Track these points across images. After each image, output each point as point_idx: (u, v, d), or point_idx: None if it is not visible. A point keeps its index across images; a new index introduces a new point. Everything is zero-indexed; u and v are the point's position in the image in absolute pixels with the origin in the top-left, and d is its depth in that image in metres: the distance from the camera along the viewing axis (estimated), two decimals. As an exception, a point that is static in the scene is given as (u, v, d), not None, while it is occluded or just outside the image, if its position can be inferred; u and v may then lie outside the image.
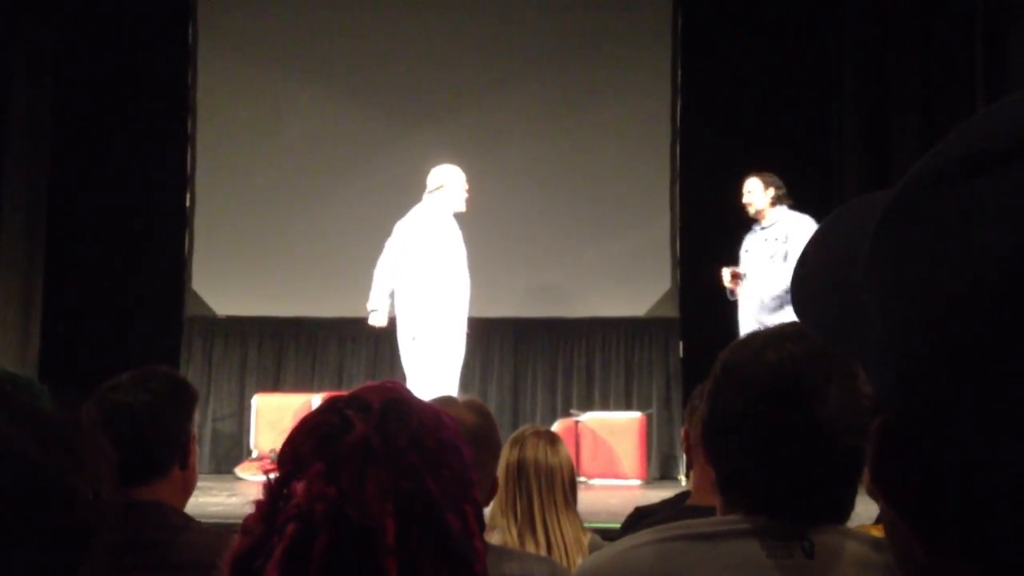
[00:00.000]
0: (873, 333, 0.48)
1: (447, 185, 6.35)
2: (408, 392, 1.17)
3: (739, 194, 6.41)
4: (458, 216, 6.39)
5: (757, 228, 6.45)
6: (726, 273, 6.40)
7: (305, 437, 1.11)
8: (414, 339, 6.16)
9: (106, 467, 0.66)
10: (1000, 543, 0.44)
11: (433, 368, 6.10)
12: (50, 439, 0.65)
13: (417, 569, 1.05)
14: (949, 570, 0.47)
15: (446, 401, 2.05)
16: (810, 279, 0.60)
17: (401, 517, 1.05)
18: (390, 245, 6.43)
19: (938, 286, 0.44)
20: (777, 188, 6.39)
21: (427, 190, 6.40)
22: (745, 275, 6.39)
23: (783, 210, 6.40)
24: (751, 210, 6.42)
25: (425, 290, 6.13)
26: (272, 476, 1.11)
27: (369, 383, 1.18)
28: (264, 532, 1.07)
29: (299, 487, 1.06)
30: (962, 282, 0.43)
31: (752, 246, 6.43)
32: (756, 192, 6.41)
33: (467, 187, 6.41)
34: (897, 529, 0.51)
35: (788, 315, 6.20)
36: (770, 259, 6.30)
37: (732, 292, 6.43)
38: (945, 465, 0.45)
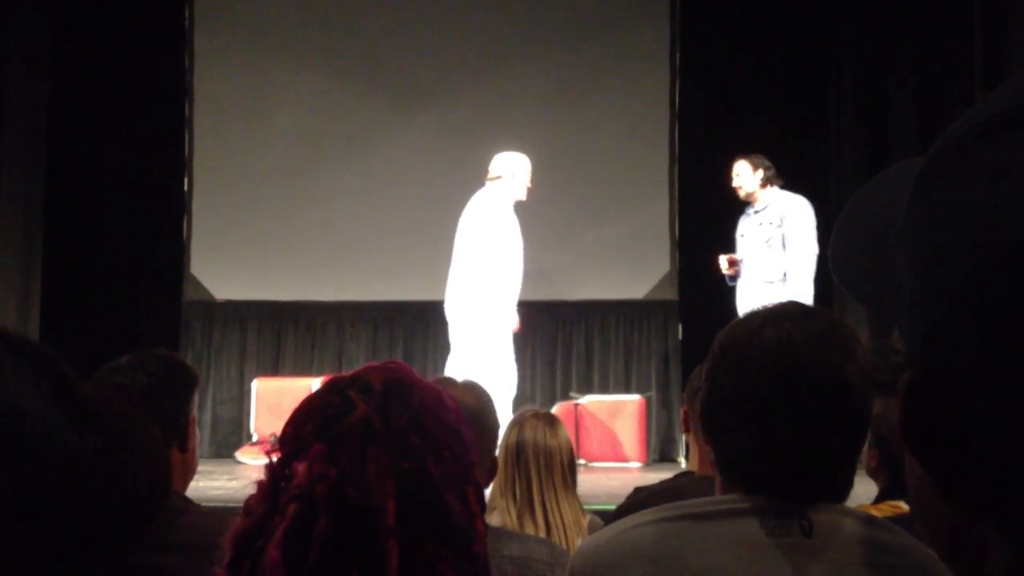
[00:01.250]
0: (906, 290, 0.49)
1: (507, 175, 6.23)
2: (411, 373, 1.16)
3: (731, 178, 6.42)
4: (464, 201, 6.33)
5: (750, 211, 6.45)
6: (723, 261, 6.41)
7: (307, 418, 1.11)
8: (461, 328, 6.10)
9: (160, 459, 0.64)
10: (1021, 503, 0.45)
11: (480, 359, 6.00)
12: (99, 435, 0.63)
13: (418, 550, 1.06)
14: (973, 527, 0.48)
15: (445, 383, 2.05)
16: (849, 241, 0.62)
17: (402, 498, 1.05)
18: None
19: (967, 242, 0.45)
20: (766, 169, 6.38)
21: (488, 177, 6.30)
22: (742, 260, 6.39)
23: (775, 191, 6.39)
24: (741, 193, 6.42)
25: (475, 280, 6.05)
26: (274, 457, 1.12)
27: (372, 363, 1.17)
28: (266, 512, 1.07)
29: (300, 468, 1.06)
30: (990, 239, 0.43)
31: (747, 230, 6.43)
32: (745, 175, 6.41)
33: (530, 177, 6.28)
34: (923, 485, 0.51)
35: (784, 299, 6.21)
36: (766, 243, 6.30)
37: (731, 278, 6.44)
38: (971, 420, 0.46)
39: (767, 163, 6.40)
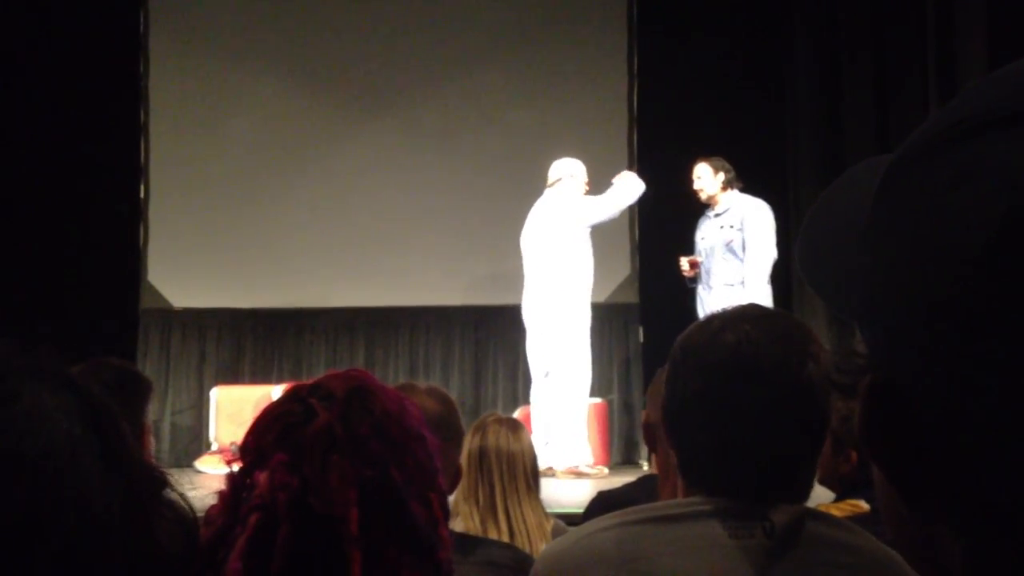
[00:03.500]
0: (867, 292, 0.49)
1: (565, 178, 6.48)
2: (372, 380, 1.16)
3: (690, 180, 6.46)
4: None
5: (710, 214, 6.49)
6: (684, 263, 6.45)
7: (268, 427, 1.10)
8: (544, 331, 6.38)
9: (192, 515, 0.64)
10: (977, 503, 0.45)
11: (564, 360, 6.34)
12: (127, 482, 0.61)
13: (381, 558, 1.05)
14: (929, 528, 0.48)
15: (406, 388, 2.04)
16: (815, 241, 0.62)
17: (365, 506, 1.05)
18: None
19: (930, 243, 0.45)
20: (727, 172, 6.43)
21: (547, 184, 6.53)
22: (703, 262, 6.43)
23: (735, 194, 6.44)
24: (703, 196, 6.46)
25: (556, 284, 6.33)
26: (235, 467, 1.11)
27: (333, 371, 1.17)
28: (227, 523, 1.06)
29: (262, 477, 1.05)
30: (954, 239, 0.44)
31: (707, 233, 6.47)
32: (706, 177, 6.45)
33: (587, 180, 6.55)
34: (885, 487, 0.52)
35: (744, 302, 6.26)
36: (726, 246, 6.34)
37: (691, 280, 6.47)
38: (929, 422, 0.46)
39: (727, 166, 6.44)
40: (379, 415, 1.11)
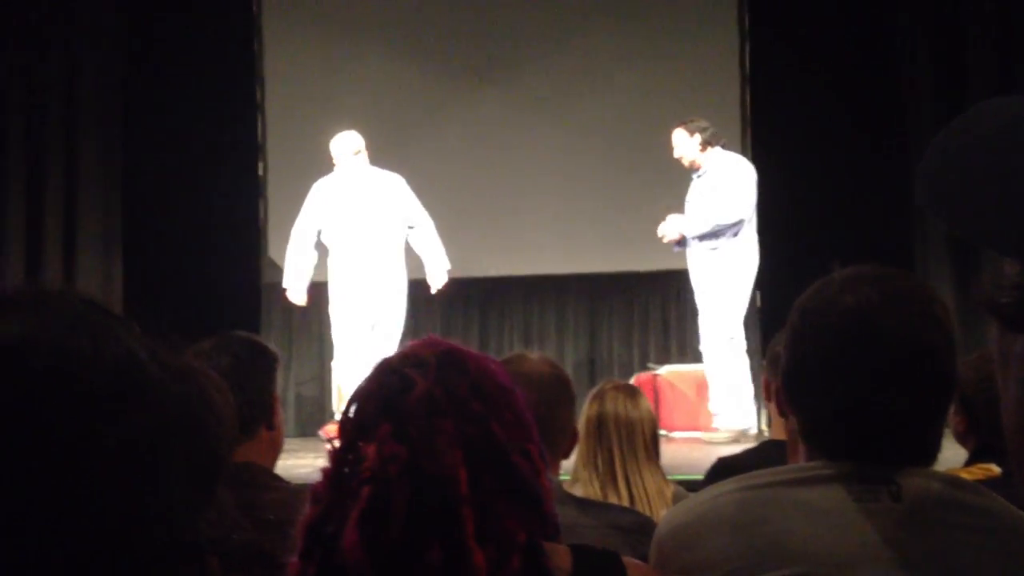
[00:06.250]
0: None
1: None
2: (456, 344, 1.18)
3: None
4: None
5: (695, 176, 6.33)
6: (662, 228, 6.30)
7: (366, 401, 1.13)
8: None
9: (232, 419, 0.70)
10: None
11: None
12: (191, 385, 0.68)
13: (491, 513, 1.07)
14: None
15: (516, 358, 2.05)
16: (952, 172, 0.59)
17: (472, 464, 1.07)
18: None
19: None
20: (702, 131, 6.21)
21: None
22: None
23: (716, 152, 6.24)
24: (685, 162, 6.29)
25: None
26: (336, 443, 1.14)
27: (414, 341, 1.19)
28: (334, 498, 1.09)
29: (369, 450, 1.08)
30: None
31: (692, 196, 6.32)
32: (681, 143, 6.28)
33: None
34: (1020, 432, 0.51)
35: (730, 260, 6.19)
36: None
37: (678, 244, 6.33)
38: None
39: (703, 124, 6.22)
40: (474, 375, 1.13)
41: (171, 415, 0.65)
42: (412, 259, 6.81)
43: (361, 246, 6.44)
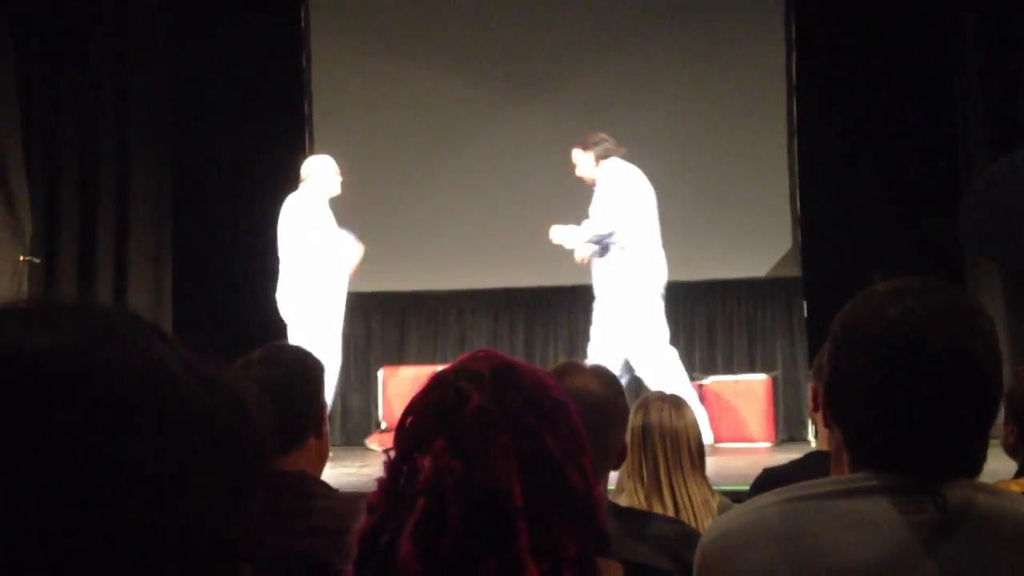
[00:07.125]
0: None
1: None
2: (510, 357, 1.19)
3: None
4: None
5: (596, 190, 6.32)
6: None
7: (422, 414, 1.14)
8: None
9: (268, 430, 0.71)
10: None
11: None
12: (225, 396, 0.69)
13: (546, 527, 1.08)
14: None
15: (570, 367, 2.06)
16: (996, 212, 0.60)
17: (526, 478, 1.08)
18: None
19: None
20: (595, 145, 6.20)
21: None
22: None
23: (609, 164, 6.23)
24: (586, 180, 6.28)
25: None
26: (391, 454, 1.15)
27: (468, 354, 1.20)
28: (389, 509, 1.11)
29: (425, 462, 1.09)
30: None
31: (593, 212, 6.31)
32: (580, 163, 6.30)
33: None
34: None
35: (621, 268, 6.17)
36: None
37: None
38: None
39: (596, 139, 6.20)
40: (529, 389, 1.14)
41: (201, 425, 0.66)
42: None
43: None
